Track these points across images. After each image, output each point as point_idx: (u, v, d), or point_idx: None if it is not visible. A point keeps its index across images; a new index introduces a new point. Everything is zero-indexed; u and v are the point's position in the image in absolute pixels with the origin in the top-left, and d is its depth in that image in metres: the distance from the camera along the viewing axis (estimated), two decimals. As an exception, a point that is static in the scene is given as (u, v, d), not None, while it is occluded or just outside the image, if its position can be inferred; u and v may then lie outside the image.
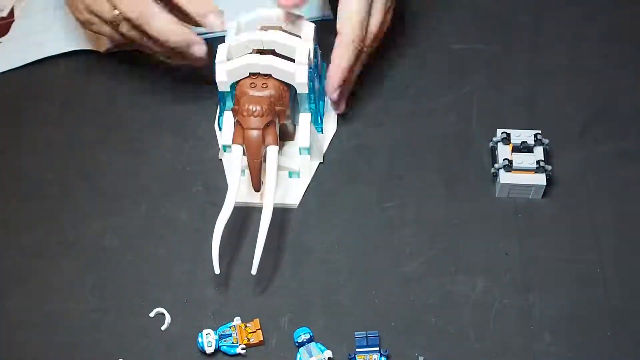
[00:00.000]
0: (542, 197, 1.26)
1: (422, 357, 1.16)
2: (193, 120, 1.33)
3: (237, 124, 1.20)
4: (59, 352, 1.18)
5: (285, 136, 1.28)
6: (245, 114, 1.18)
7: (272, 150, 1.20)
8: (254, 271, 1.18)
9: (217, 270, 1.18)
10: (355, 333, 1.16)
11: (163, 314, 1.20)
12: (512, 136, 1.27)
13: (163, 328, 1.19)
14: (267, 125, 1.19)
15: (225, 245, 1.24)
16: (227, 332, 1.17)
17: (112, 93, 1.38)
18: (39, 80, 1.39)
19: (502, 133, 1.28)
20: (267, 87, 1.20)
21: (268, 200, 1.19)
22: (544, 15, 1.42)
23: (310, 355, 1.15)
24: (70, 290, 1.22)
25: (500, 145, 1.27)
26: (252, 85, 1.20)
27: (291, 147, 1.28)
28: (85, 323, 1.20)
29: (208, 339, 1.17)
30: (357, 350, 1.16)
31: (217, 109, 1.33)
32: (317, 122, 1.29)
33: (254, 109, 1.18)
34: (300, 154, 1.26)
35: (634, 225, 1.24)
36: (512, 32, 1.41)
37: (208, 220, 1.26)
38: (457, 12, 1.43)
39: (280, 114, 1.21)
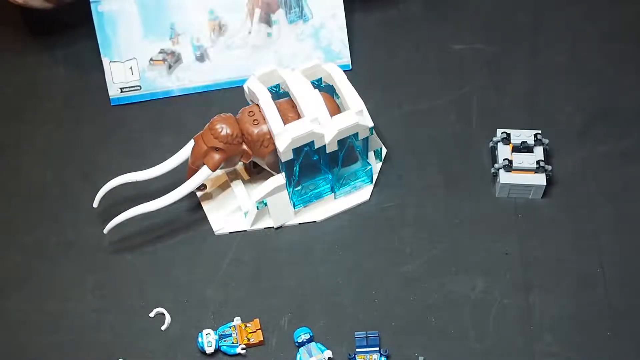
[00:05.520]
0: (542, 197, 1.26)
1: (422, 357, 1.16)
2: (193, 120, 1.33)
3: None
4: (59, 352, 1.18)
5: (265, 174, 1.28)
6: (210, 127, 1.20)
7: (202, 170, 1.21)
8: (105, 230, 1.22)
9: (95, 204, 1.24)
10: (355, 333, 1.16)
11: (163, 314, 1.20)
12: (512, 136, 1.27)
13: (163, 328, 1.19)
14: (215, 149, 1.20)
15: (226, 246, 1.25)
16: (227, 332, 1.17)
17: (112, 93, 1.38)
18: (39, 80, 1.39)
19: (502, 133, 1.28)
20: (258, 123, 1.20)
21: (166, 199, 1.21)
22: (544, 15, 1.42)
23: (310, 355, 1.16)
24: (70, 290, 1.22)
25: (500, 145, 1.27)
26: (250, 113, 1.21)
27: (258, 184, 1.27)
28: (85, 323, 1.20)
29: (208, 339, 1.17)
30: (357, 350, 1.16)
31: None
32: (333, 189, 1.27)
33: (220, 129, 1.19)
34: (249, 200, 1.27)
35: (634, 225, 1.24)
36: (512, 32, 1.41)
37: (208, 220, 1.26)
38: (457, 12, 1.43)
39: (243, 154, 1.22)
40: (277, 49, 1.36)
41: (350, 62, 1.37)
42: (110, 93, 1.35)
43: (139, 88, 1.36)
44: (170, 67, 1.36)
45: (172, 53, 1.36)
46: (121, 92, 1.35)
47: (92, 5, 1.35)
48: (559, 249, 1.23)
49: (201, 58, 1.36)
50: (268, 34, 1.36)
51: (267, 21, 1.36)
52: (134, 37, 1.36)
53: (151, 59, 1.36)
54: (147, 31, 1.36)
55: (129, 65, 1.36)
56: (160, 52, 1.36)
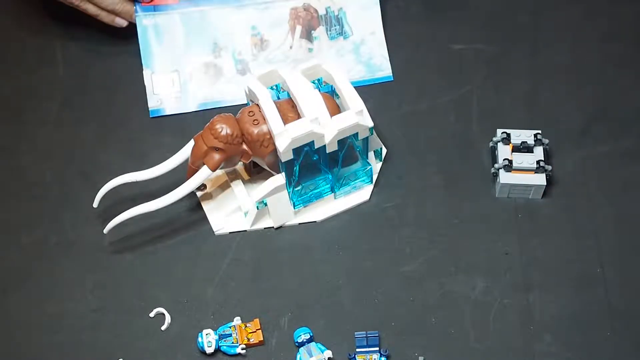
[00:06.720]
0: (542, 197, 1.26)
1: (422, 357, 1.16)
2: (193, 120, 1.33)
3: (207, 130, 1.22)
4: (59, 352, 1.18)
5: (265, 174, 1.28)
6: (210, 127, 1.20)
7: (202, 170, 1.21)
8: (105, 230, 1.22)
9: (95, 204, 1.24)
10: (355, 333, 1.16)
11: (163, 314, 1.20)
12: (512, 136, 1.27)
13: (163, 328, 1.19)
14: (215, 149, 1.20)
15: (226, 246, 1.25)
16: (227, 332, 1.17)
17: (112, 93, 1.38)
18: (39, 80, 1.39)
19: (502, 133, 1.28)
20: (258, 123, 1.20)
21: (166, 199, 1.21)
22: (544, 15, 1.42)
23: (310, 355, 1.16)
24: (70, 290, 1.22)
25: (500, 145, 1.27)
26: (250, 113, 1.21)
27: (258, 184, 1.27)
28: (85, 323, 1.20)
29: (208, 339, 1.17)
30: (357, 350, 1.16)
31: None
32: (333, 189, 1.27)
33: (220, 129, 1.19)
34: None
35: (634, 225, 1.24)
36: (512, 32, 1.41)
37: (208, 220, 1.26)
38: (457, 12, 1.43)
39: (243, 154, 1.22)
40: None
41: (392, 74, 1.37)
42: (150, 105, 1.35)
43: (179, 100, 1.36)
44: (211, 80, 1.36)
45: (214, 66, 1.36)
46: (161, 104, 1.35)
47: (137, 18, 1.36)
48: (559, 249, 1.23)
49: (242, 72, 1.36)
50: (309, 49, 1.37)
51: (308, 37, 1.37)
52: (177, 49, 1.37)
53: (193, 72, 1.36)
54: (190, 44, 1.37)
55: (171, 78, 1.36)
56: (202, 65, 1.36)
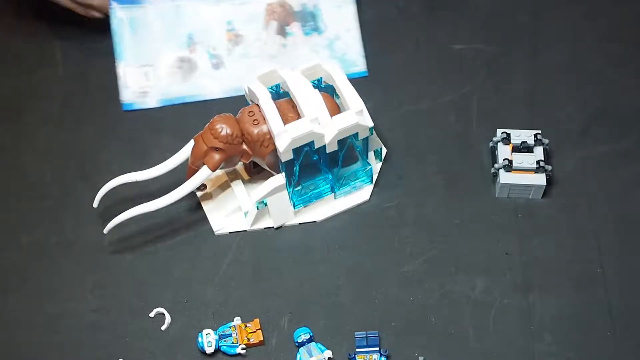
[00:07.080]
0: (542, 197, 1.26)
1: (422, 357, 1.16)
2: (193, 120, 1.33)
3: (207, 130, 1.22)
4: (59, 352, 1.18)
5: (265, 174, 1.28)
6: (210, 127, 1.20)
7: (203, 170, 1.21)
8: (105, 230, 1.22)
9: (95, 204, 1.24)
10: (355, 333, 1.16)
11: (163, 314, 1.20)
12: (512, 136, 1.27)
13: (163, 328, 1.19)
14: (215, 149, 1.20)
15: (226, 246, 1.25)
16: (227, 332, 1.17)
17: (112, 93, 1.38)
18: (39, 80, 1.39)
19: (502, 133, 1.28)
20: (258, 123, 1.20)
21: (166, 199, 1.21)
22: (544, 15, 1.42)
23: (310, 355, 1.16)
24: (70, 290, 1.22)
25: (500, 145, 1.27)
26: (250, 113, 1.21)
27: (258, 184, 1.27)
28: (85, 323, 1.20)
29: (208, 339, 1.17)
30: (357, 350, 1.16)
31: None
32: (333, 189, 1.27)
33: (220, 129, 1.19)
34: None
35: (634, 225, 1.24)
36: (512, 32, 1.41)
37: (208, 220, 1.26)
38: (457, 12, 1.43)
39: (243, 154, 1.22)
40: (293, 59, 1.36)
41: (366, 69, 1.37)
42: (122, 98, 1.35)
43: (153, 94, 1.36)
44: (185, 74, 1.36)
45: (189, 61, 1.36)
46: (134, 97, 1.35)
47: (112, 11, 1.36)
48: (559, 249, 1.23)
49: (217, 66, 1.36)
50: (283, 45, 1.37)
51: (283, 33, 1.38)
52: (152, 43, 1.37)
53: (167, 66, 1.36)
54: (165, 39, 1.37)
55: (145, 71, 1.36)
56: (177, 60, 1.36)
